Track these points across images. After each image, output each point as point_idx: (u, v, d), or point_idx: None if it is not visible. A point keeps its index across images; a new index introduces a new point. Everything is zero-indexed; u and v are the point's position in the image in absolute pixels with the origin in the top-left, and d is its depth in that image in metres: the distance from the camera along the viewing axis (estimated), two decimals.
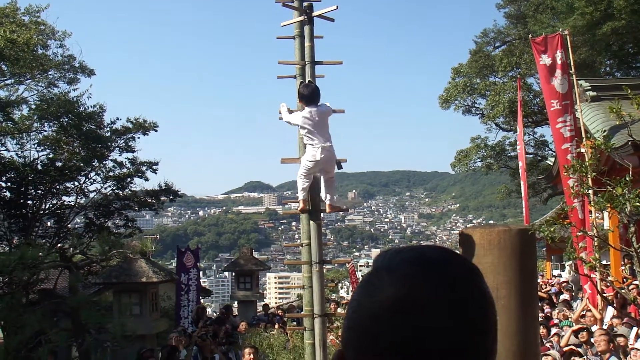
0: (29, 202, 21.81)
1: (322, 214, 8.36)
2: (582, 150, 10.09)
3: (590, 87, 14.34)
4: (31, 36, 20.07)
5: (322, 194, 8.32)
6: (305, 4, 8.52)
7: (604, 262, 10.54)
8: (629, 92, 7.99)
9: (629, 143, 10.57)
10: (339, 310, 15.61)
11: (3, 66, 20.56)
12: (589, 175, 8.24)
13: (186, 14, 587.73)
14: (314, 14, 8.45)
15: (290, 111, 8.25)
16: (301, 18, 8.46)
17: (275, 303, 48.92)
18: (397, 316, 1.03)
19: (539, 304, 12.02)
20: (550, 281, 22.40)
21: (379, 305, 1.05)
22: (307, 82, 8.11)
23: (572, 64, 12.23)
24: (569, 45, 12.08)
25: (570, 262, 15.94)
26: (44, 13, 22.66)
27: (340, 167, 8.26)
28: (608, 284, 11.05)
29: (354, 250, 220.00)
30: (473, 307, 1.06)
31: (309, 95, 7.85)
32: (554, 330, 11.26)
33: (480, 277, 1.11)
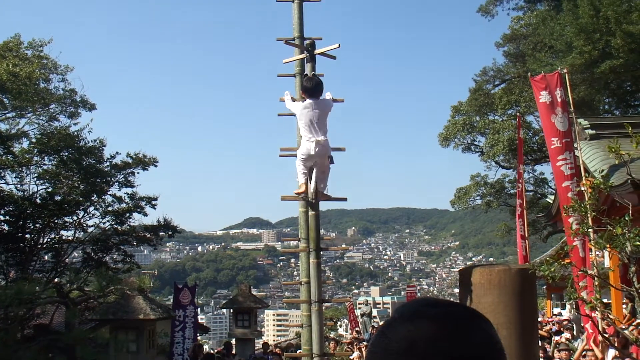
0: (27, 235, 21.74)
1: (321, 252, 8.30)
2: (582, 189, 10.07)
3: (589, 126, 14.36)
4: (33, 70, 20.23)
5: (313, 183, 8.19)
6: (307, 42, 8.58)
7: (604, 300, 10.46)
8: (630, 129, 8.00)
9: (628, 181, 10.56)
10: (337, 349, 15.47)
11: (5, 99, 20.68)
12: (588, 215, 8.21)
13: (187, 50, 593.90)
14: (316, 51, 8.50)
15: (294, 99, 8.34)
16: (303, 56, 8.52)
17: (274, 341, 48.48)
18: (408, 352, 1.12)
19: (540, 343, 11.90)
20: (550, 320, 22.22)
21: (393, 343, 1.14)
22: (310, 75, 8.23)
23: (571, 102, 12.28)
24: (568, 84, 12.14)
25: (571, 300, 15.82)
26: (46, 47, 22.87)
27: (332, 162, 8.21)
28: (609, 323, 10.95)
29: (353, 287, 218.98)
30: (478, 346, 1.12)
31: (312, 88, 7.97)
32: None
33: (487, 323, 1.18)
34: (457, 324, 1.13)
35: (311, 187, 8.16)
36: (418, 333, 1.12)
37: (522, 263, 15.20)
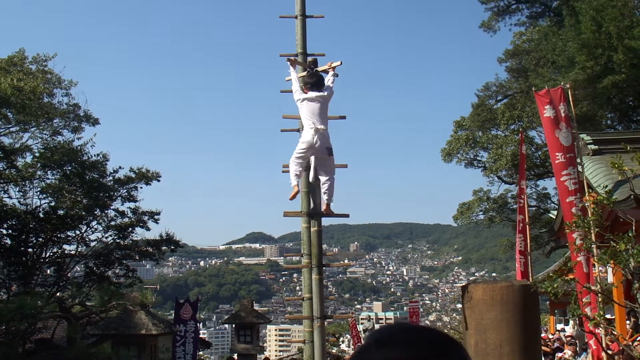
0: (29, 250, 21.73)
1: (324, 268, 8.30)
2: (586, 204, 10.06)
3: (591, 141, 14.36)
4: (37, 84, 20.30)
5: (321, 196, 8.39)
6: (309, 59, 8.63)
7: (608, 316, 10.42)
8: (628, 148, 8.02)
9: (631, 197, 10.54)
10: None
11: (9, 113, 20.72)
12: (591, 231, 8.20)
13: (190, 65, 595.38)
14: (319, 69, 8.55)
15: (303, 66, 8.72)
16: (305, 73, 8.56)
17: (276, 356, 48.30)
18: None
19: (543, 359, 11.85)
20: (554, 336, 22.12)
21: None
22: (312, 71, 8.51)
23: (574, 117, 12.29)
24: (571, 99, 12.15)
25: (575, 316, 15.75)
26: (51, 62, 22.97)
27: (330, 154, 8.35)
28: (613, 339, 10.90)
29: (356, 303, 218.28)
30: None
31: (314, 83, 8.40)
32: None
33: (461, 349, 1.21)
34: (433, 349, 1.15)
35: (311, 176, 8.29)
36: (394, 358, 1.13)
37: (521, 279, 15.14)
